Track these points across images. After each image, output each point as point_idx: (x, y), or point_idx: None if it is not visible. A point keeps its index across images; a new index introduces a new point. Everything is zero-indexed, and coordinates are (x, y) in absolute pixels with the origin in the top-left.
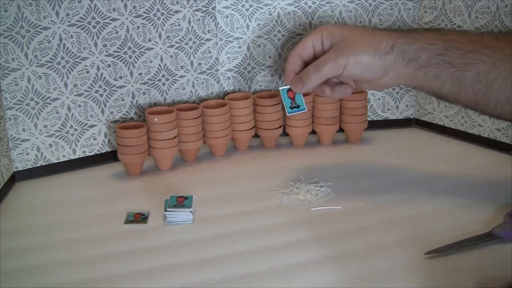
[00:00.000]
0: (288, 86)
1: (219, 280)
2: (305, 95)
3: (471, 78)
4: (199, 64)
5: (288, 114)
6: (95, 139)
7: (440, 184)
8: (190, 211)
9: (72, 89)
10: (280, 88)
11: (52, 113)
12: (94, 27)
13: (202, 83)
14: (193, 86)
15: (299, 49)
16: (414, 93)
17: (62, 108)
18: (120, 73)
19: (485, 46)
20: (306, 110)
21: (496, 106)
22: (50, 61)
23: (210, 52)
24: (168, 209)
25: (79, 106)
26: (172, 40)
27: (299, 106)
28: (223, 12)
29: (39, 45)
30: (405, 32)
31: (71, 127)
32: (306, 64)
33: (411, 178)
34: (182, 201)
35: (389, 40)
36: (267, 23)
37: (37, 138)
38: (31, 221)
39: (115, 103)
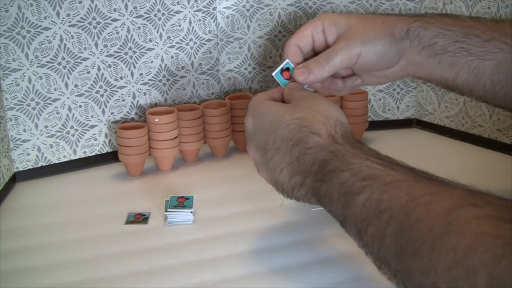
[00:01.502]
0: (280, 68)
1: (220, 280)
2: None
3: (490, 68)
4: (200, 64)
5: None
6: (95, 139)
7: None
8: (191, 212)
9: (72, 89)
10: (273, 74)
11: (53, 114)
12: (95, 27)
13: (203, 83)
14: (193, 86)
15: (297, 38)
16: (415, 93)
17: (63, 109)
18: (121, 74)
19: (504, 35)
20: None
21: None
22: (50, 61)
23: (210, 53)
24: (169, 210)
25: (80, 106)
26: (173, 40)
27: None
28: (224, 13)
29: (39, 45)
30: (418, 16)
31: (71, 127)
32: (305, 57)
33: None
34: (182, 202)
35: (403, 24)
36: (268, 23)
37: (37, 138)
38: (32, 222)
39: (115, 103)
